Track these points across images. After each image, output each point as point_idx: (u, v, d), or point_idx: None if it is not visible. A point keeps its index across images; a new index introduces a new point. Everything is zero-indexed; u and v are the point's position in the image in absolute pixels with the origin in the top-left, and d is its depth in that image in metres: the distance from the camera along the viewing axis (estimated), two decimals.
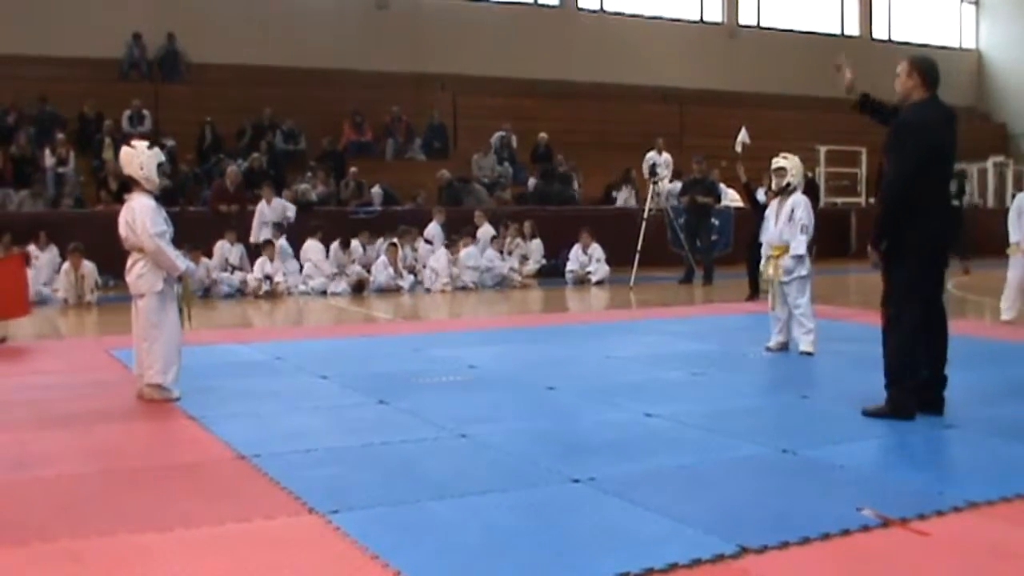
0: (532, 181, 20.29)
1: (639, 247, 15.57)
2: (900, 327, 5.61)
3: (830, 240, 18.80)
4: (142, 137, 17.34)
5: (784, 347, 8.39)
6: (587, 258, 16.51)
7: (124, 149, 6.51)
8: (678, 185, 17.61)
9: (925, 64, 5.60)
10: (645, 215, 15.92)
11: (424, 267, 15.53)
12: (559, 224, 17.83)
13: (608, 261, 16.42)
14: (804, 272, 8.13)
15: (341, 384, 6.99)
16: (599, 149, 21.89)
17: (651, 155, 17.88)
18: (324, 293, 14.75)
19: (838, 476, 4.52)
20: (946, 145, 5.55)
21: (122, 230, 6.37)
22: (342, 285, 15.02)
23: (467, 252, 15.93)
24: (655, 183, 16.18)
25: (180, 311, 6.51)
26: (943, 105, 5.66)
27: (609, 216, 18.81)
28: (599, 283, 16.10)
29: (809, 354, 8.11)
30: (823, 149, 23.82)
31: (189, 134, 18.84)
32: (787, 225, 8.08)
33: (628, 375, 7.34)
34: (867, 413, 5.72)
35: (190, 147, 18.74)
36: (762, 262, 8.65)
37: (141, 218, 6.27)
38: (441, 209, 16.95)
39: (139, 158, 6.38)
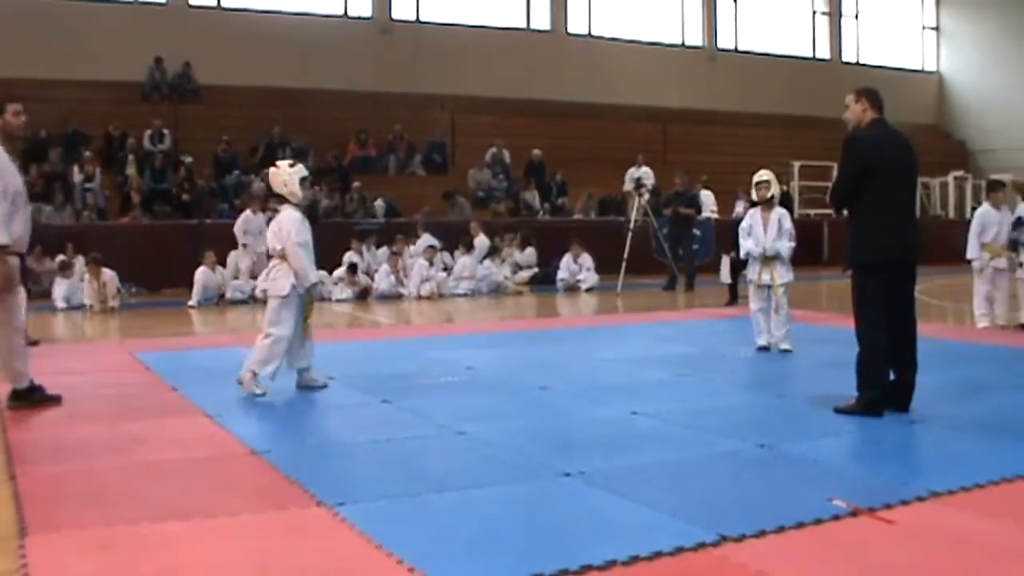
0: (525, 195, 20.27)
1: (626, 256, 15.54)
2: (865, 337, 5.64)
3: (804, 249, 18.56)
4: (162, 154, 17.52)
5: (768, 348, 8.39)
6: (577, 267, 16.51)
7: (271, 169, 6.74)
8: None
9: (870, 91, 5.76)
10: (631, 226, 15.88)
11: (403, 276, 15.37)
12: (551, 235, 17.85)
13: (597, 270, 16.45)
14: (791, 277, 8.29)
15: (347, 384, 6.96)
16: (589, 164, 21.92)
17: (632, 171, 17.80)
18: (330, 300, 14.68)
19: (811, 469, 4.53)
20: (889, 161, 5.56)
21: (269, 239, 6.69)
22: (347, 292, 14.96)
23: (462, 262, 15.92)
24: (640, 195, 16.11)
25: (305, 319, 6.62)
26: (891, 127, 5.74)
27: (598, 227, 18.79)
28: (589, 290, 16.09)
29: (789, 351, 8.13)
30: (797, 164, 23.93)
31: (205, 151, 18.81)
32: (777, 236, 8.14)
33: (616, 376, 7.34)
34: (839, 410, 5.72)
35: (206, 163, 18.71)
36: (749, 268, 8.56)
37: (287, 228, 6.51)
38: (427, 222, 16.72)
39: (283, 175, 6.61)
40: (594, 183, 21.09)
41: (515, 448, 4.96)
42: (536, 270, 17.41)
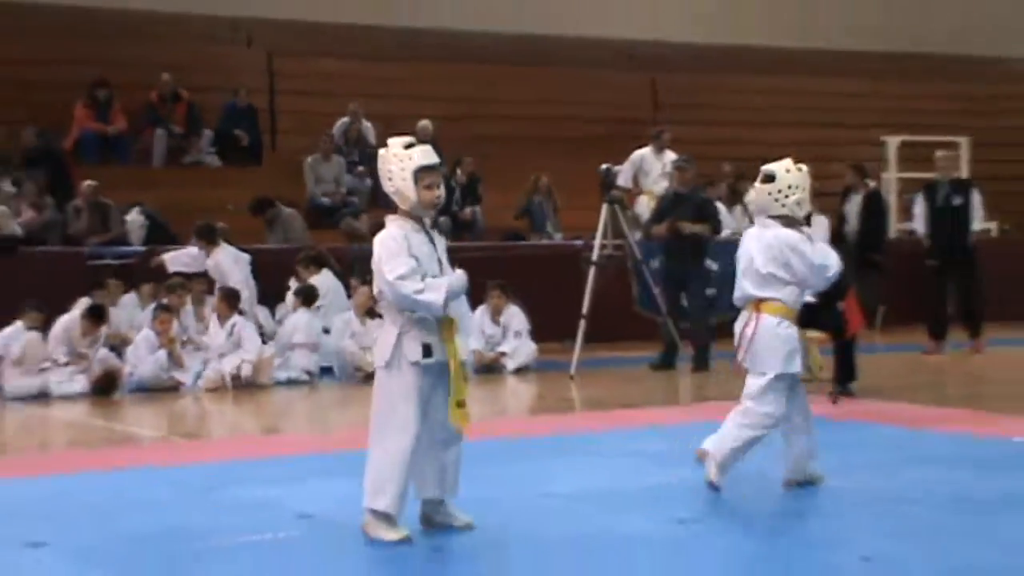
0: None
1: (586, 310, 15.42)
2: None
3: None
4: None
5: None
6: (498, 330, 16.50)
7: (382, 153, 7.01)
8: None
9: None
10: (595, 257, 15.79)
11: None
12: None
13: (535, 335, 16.38)
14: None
15: (68, 555, 6.80)
16: (518, 148, 22.06)
17: (642, 155, 18.60)
18: (44, 396, 14.39)
19: None
20: None
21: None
22: (77, 382, 14.64)
23: (294, 320, 15.86)
24: (611, 202, 16.01)
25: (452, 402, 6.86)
26: None
27: (535, 259, 18.76)
28: (520, 371, 16.14)
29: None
30: (894, 142, 23.84)
31: None
32: None
33: (568, 525, 7.26)
34: None
35: None
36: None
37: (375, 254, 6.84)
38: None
39: (388, 163, 6.91)
40: (527, 179, 20.91)
41: None
42: None
